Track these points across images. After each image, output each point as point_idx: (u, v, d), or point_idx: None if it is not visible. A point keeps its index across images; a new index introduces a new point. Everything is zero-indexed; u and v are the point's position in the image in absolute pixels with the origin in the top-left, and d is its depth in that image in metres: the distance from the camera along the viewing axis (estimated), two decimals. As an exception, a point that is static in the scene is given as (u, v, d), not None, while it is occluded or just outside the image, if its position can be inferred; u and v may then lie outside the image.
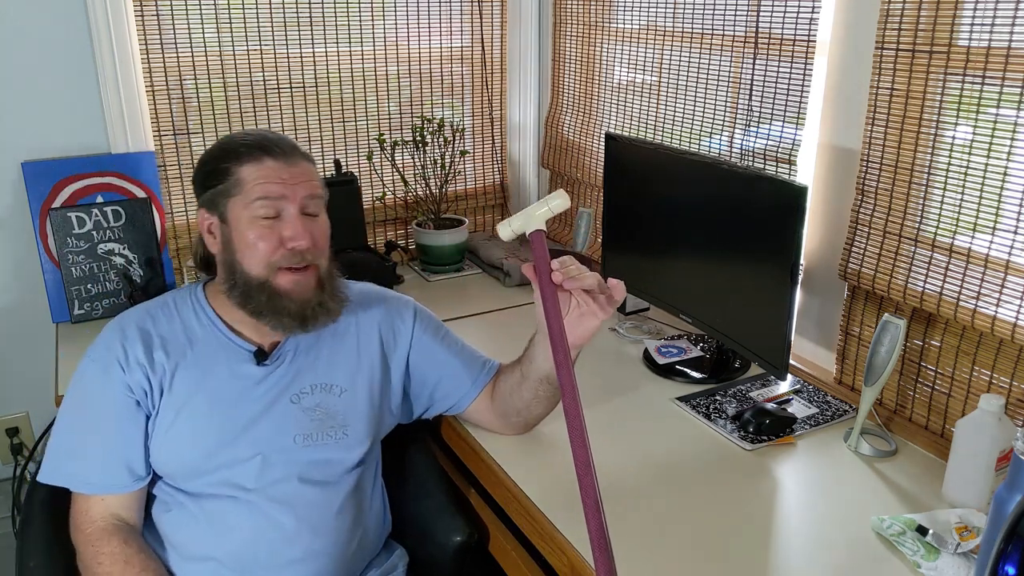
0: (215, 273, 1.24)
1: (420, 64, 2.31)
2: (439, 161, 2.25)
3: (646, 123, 2.03)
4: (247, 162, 1.15)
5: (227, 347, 1.19)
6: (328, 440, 1.20)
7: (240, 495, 1.15)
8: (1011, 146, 1.23)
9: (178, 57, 2.00)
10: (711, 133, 1.82)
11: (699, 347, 1.74)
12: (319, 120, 2.22)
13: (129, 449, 1.15)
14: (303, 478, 1.18)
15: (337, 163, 2.13)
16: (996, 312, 1.27)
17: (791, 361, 1.55)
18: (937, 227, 1.35)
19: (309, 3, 2.11)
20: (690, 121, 1.88)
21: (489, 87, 2.44)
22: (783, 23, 1.59)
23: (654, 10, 1.94)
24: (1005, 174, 1.24)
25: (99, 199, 1.95)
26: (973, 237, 1.30)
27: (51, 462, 1.16)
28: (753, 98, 1.69)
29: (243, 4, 2.04)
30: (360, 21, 2.19)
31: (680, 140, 1.92)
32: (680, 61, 1.89)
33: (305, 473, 1.18)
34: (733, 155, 1.77)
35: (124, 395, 1.15)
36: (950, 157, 1.31)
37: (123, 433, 1.15)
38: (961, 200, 1.31)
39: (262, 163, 1.15)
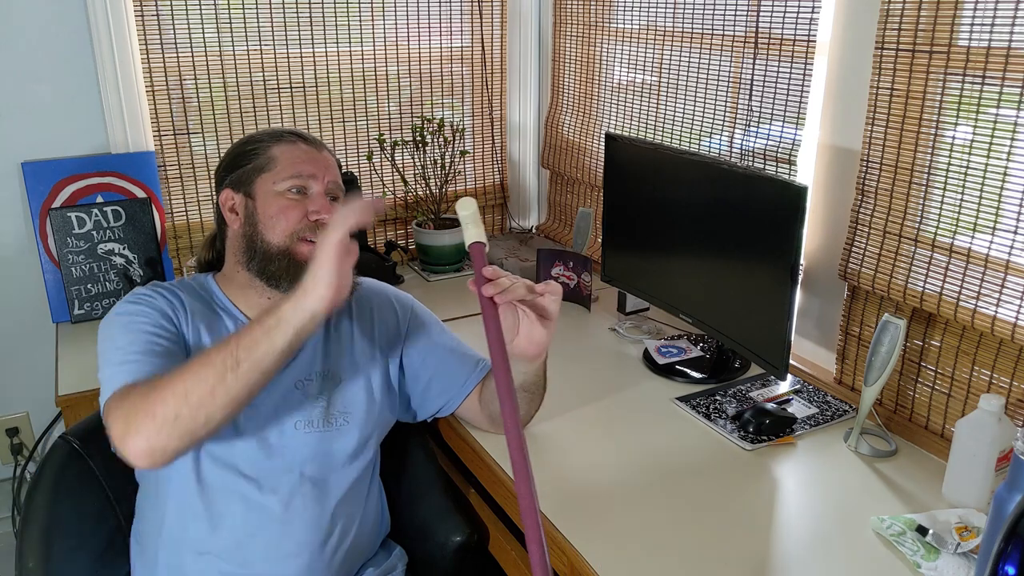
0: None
1: (420, 64, 2.31)
2: (439, 161, 2.26)
3: (646, 123, 2.03)
4: (283, 143, 1.23)
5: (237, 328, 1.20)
6: (329, 428, 1.21)
7: (238, 484, 1.14)
8: (1011, 146, 1.23)
9: (178, 57, 2.00)
10: (711, 133, 1.82)
11: (699, 347, 1.74)
12: (319, 120, 2.22)
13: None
14: (301, 470, 1.18)
15: (337, 163, 2.12)
16: (996, 312, 1.27)
17: (791, 361, 1.55)
18: (937, 227, 1.35)
19: (309, 3, 2.11)
20: (690, 121, 1.88)
21: (489, 87, 2.44)
22: (783, 23, 1.59)
23: (654, 10, 1.94)
24: (1005, 174, 1.24)
25: (99, 199, 1.95)
26: (973, 237, 1.30)
27: (108, 382, 1.09)
28: (753, 98, 1.69)
29: (243, 4, 2.04)
30: (360, 21, 2.19)
31: (680, 140, 1.92)
32: (680, 61, 1.89)
33: (303, 464, 1.18)
34: (733, 155, 1.77)
35: (168, 316, 1.16)
36: (950, 157, 1.31)
37: (166, 329, 1.15)
38: (961, 200, 1.31)
39: (296, 145, 1.23)
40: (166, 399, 0.98)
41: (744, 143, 1.73)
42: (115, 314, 1.15)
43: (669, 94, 1.94)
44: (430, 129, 2.23)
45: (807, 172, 1.62)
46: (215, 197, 1.26)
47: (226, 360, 0.98)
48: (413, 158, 2.26)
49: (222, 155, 1.29)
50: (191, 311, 1.19)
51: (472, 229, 1.00)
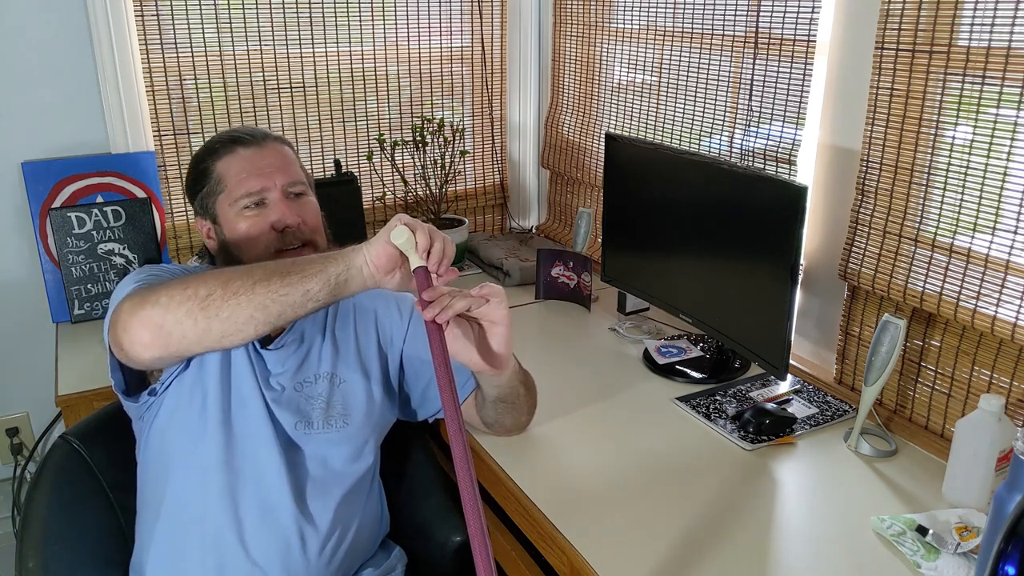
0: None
1: (420, 64, 2.31)
2: (439, 161, 2.26)
3: (646, 123, 2.03)
4: (222, 156, 1.19)
5: None
6: (328, 429, 1.21)
7: (234, 485, 1.14)
8: (1011, 146, 1.23)
9: (178, 57, 2.00)
10: (711, 133, 1.82)
11: (699, 347, 1.74)
12: (319, 120, 2.22)
13: None
14: (301, 470, 1.18)
15: (337, 163, 2.13)
16: (996, 312, 1.27)
17: (791, 361, 1.55)
18: (937, 227, 1.35)
19: (309, 3, 2.11)
20: (690, 121, 1.88)
21: (489, 87, 2.44)
22: (783, 23, 1.59)
23: (654, 10, 1.94)
24: (1005, 174, 1.24)
25: (99, 199, 1.95)
26: (973, 237, 1.30)
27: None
28: (753, 98, 1.69)
29: (243, 4, 2.04)
30: (360, 21, 2.19)
31: (680, 140, 1.92)
32: (680, 61, 1.89)
33: (302, 465, 1.18)
34: (733, 155, 1.77)
35: None
36: (950, 157, 1.31)
37: None
38: (961, 200, 1.31)
39: (235, 153, 1.18)
40: (207, 279, 0.98)
41: (744, 143, 1.73)
42: (128, 275, 1.14)
43: (669, 94, 1.94)
44: (430, 129, 2.23)
45: (807, 172, 1.62)
46: None
47: (279, 267, 1.00)
48: (413, 158, 2.26)
49: None
50: None
51: (413, 256, 1.01)
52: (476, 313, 1.10)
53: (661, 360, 1.68)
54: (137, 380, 1.17)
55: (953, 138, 1.31)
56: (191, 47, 2.01)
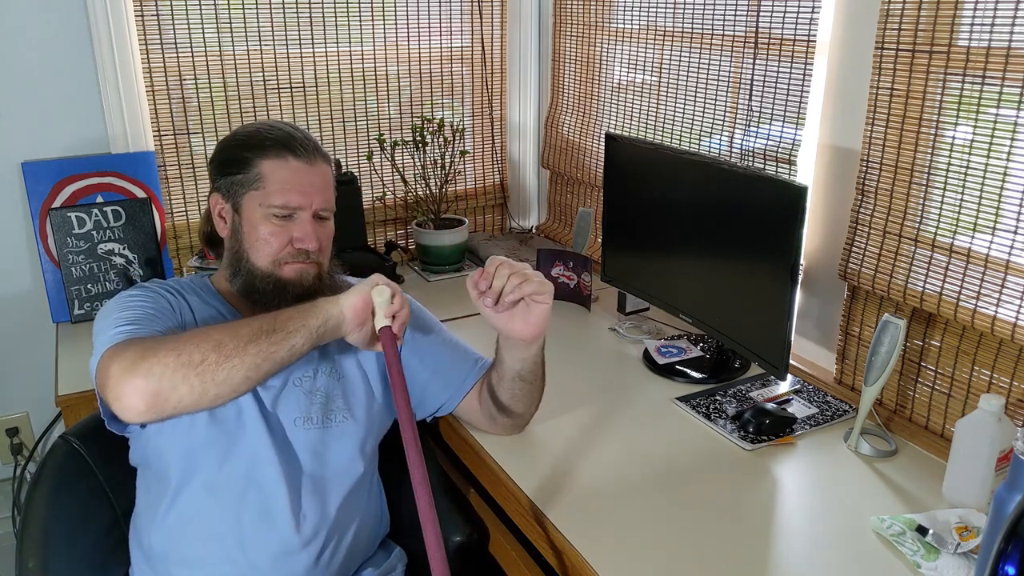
0: (218, 251, 1.29)
1: (420, 64, 2.31)
2: (439, 161, 2.26)
3: (646, 123, 2.03)
4: (271, 157, 1.18)
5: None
6: (328, 425, 1.21)
7: (238, 481, 1.14)
8: (1011, 146, 1.23)
9: (178, 57, 2.00)
10: (711, 133, 1.82)
11: (699, 347, 1.74)
12: (319, 120, 2.22)
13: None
14: (301, 467, 1.18)
15: (337, 163, 2.13)
16: (996, 312, 1.27)
17: (791, 361, 1.54)
18: (937, 227, 1.35)
19: (309, 3, 2.11)
20: (690, 121, 1.88)
21: (489, 87, 2.44)
22: (783, 23, 1.59)
23: (654, 10, 1.94)
24: (1005, 174, 1.24)
25: (99, 199, 1.95)
26: (973, 237, 1.30)
27: (106, 341, 1.05)
28: (753, 98, 1.69)
29: (243, 4, 2.04)
30: (360, 21, 2.19)
31: (680, 140, 1.92)
32: (680, 61, 1.89)
33: (303, 461, 1.18)
34: (733, 155, 1.77)
35: (170, 305, 1.16)
36: (950, 157, 1.31)
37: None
38: (961, 200, 1.31)
39: (286, 162, 1.18)
40: (198, 343, 1.00)
41: (744, 143, 1.73)
42: (113, 300, 1.15)
43: (669, 94, 1.94)
44: (430, 129, 2.23)
45: (807, 172, 1.62)
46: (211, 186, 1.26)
47: (263, 325, 1.03)
48: (413, 158, 2.26)
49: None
50: (193, 308, 1.19)
51: (380, 315, 1.09)
52: (525, 290, 1.15)
53: (661, 360, 1.68)
54: None
55: (953, 138, 1.31)
56: (191, 47, 2.01)
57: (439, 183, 2.25)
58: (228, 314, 1.22)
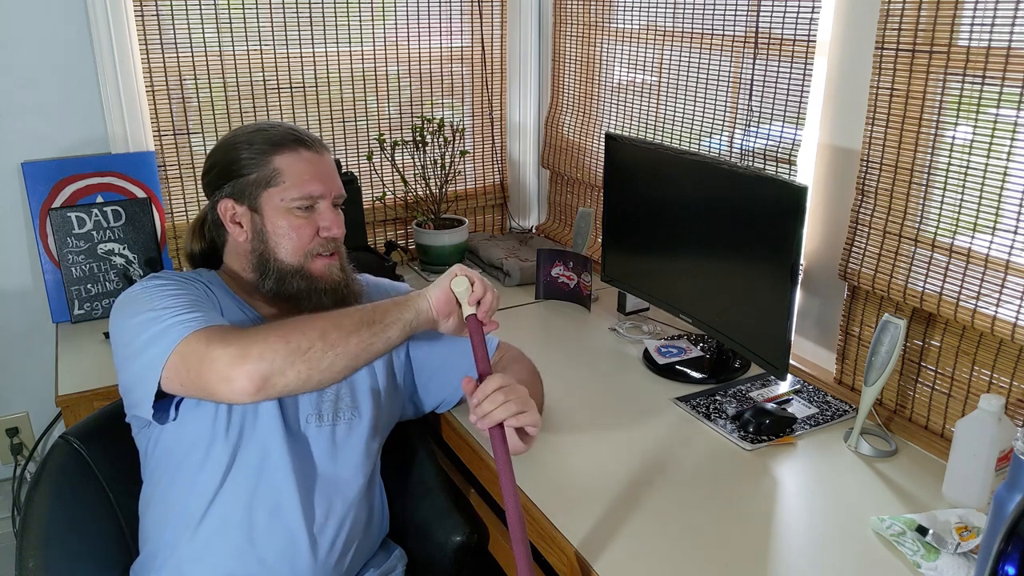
0: (211, 267, 1.28)
1: (420, 64, 2.31)
2: (439, 161, 2.26)
3: (646, 123, 2.03)
4: (284, 152, 1.19)
5: (245, 323, 1.20)
6: (339, 421, 1.21)
7: (248, 481, 1.14)
8: (1011, 146, 1.23)
9: (178, 57, 2.00)
10: (711, 133, 1.82)
11: (699, 347, 1.74)
12: (319, 120, 2.22)
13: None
14: (311, 465, 1.18)
15: (337, 163, 2.12)
16: (996, 312, 1.27)
17: (791, 361, 1.55)
18: (937, 227, 1.35)
19: (309, 3, 2.11)
20: (690, 121, 1.88)
21: (489, 87, 2.44)
22: (783, 23, 1.59)
23: (654, 10, 1.94)
24: (1005, 174, 1.24)
25: (99, 199, 1.95)
26: (973, 237, 1.30)
27: (176, 328, 1.05)
28: (753, 98, 1.69)
29: (243, 4, 2.04)
30: (360, 21, 2.19)
31: (680, 140, 1.92)
32: (680, 61, 1.89)
33: (311, 463, 1.18)
34: (733, 155, 1.77)
35: (205, 293, 1.17)
36: (950, 157, 1.31)
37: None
38: (961, 200, 1.31)
39: (299, 154, 1.20)
40: (304, 331, 1.03)
41: (744, 143, 1.73)
42: (141, 288, 1.12)
43: (669, 94, 1.94)
44: (430, 129, 2.23)
45: (807, 172, 1.62)
46: (209, 199, 1.24)
47: (364, 317, 1.08)
48: (413, 158, 2.26)
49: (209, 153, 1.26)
50: (220, 301, 1.19)
51: (466, 304, 1.14)
52: (515, 421, 1.14)
53: (661, 360, 1.68)
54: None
55: (953, 138, 1.31)
56: (191, 47, 2.01)
57: (439, 183, 2.25)
58: (247, 312, 1.22)
